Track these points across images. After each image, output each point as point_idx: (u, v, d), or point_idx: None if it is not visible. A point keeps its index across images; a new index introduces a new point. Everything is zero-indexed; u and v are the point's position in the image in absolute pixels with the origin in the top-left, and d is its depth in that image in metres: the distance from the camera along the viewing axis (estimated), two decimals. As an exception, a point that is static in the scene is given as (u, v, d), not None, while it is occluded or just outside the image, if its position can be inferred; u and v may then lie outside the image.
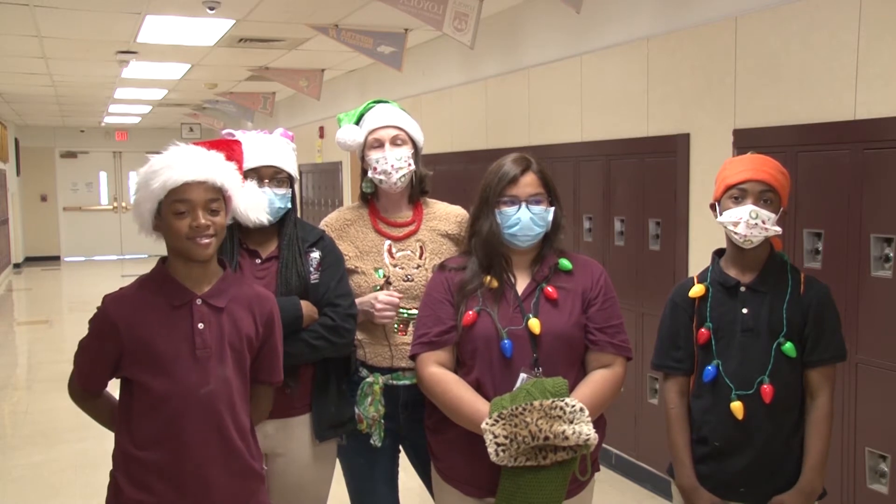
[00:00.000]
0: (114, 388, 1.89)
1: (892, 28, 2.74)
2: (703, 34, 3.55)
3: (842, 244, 2.91)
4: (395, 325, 2.30)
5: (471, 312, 1.98)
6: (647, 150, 3.89)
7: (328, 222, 2.44)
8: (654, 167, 3.85)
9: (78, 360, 1.88)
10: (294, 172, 2.27)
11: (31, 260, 14.91)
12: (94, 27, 5.77)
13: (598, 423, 1.93)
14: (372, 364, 2.32)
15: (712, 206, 2.12)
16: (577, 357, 2.01)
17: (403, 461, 2.43)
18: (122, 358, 1.79)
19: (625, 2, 4.07)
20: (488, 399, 1.89)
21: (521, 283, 2.03)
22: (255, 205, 1.99)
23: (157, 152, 1.83)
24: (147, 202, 1.80)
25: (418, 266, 2.34)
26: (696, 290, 2.10)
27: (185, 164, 1.78)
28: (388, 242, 2.37)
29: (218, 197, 1.82)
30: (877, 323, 2.81)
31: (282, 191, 2.21)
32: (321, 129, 9.07)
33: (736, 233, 2.01)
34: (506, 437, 1.78)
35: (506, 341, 1.93)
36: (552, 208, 2.04)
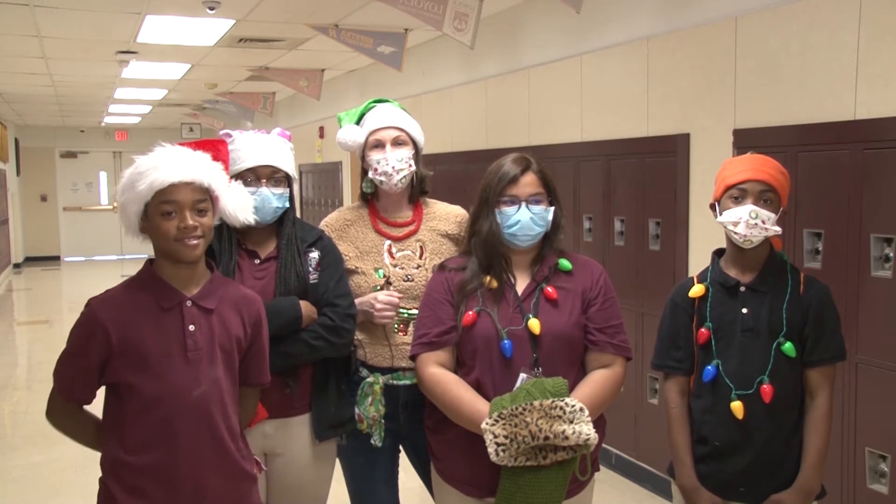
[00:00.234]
0: (95, 408, 1.83)
1: (892, 28, 2.74)
2: (703, 34, 3.55)
3: (842, 244, 2.91)
4: (396, 325, 2.30)
5: (471, 313, 1.98)
6: (647, 150, 3.89)
7: (328, 222, 2.43)
8: (654, 167, 3.85)
9: (62, 372, 1.80)
10: (292, 172, 2.26)
11: (31, 260, 14.92)
12: (94, 27, 5.77)
13: (598, 423, 1.93)
14: (372, 364, 2.32)
15: (712, 206, 2.12)
16: (577, 357, 2.00)
17: (403, 461, 2.43)
18: (109, 362, 1.75)
19: (625, 2, 4.07)
20: (488, 399, 1.89)
21: (521, 283, 2.03)
22: (242, 205, 1.96)
23: None
24: (133, 204, 1.76)
25: (418, 266, 2.34)
26: (696, 290, 2.10)
27: (171, 165, 1.75)
28: (388, 242, 2.36)
29: (205, 197, 1.80)
30: (877, 323, 2.81)
31: (279, 190, 2.21)
32: (321, 129, 9.07)
33: (736, 233, 2.01)
34: (506, 437, 1.78)
35: (506, 341, 1.93)
36: (552, 208, 2.04)
